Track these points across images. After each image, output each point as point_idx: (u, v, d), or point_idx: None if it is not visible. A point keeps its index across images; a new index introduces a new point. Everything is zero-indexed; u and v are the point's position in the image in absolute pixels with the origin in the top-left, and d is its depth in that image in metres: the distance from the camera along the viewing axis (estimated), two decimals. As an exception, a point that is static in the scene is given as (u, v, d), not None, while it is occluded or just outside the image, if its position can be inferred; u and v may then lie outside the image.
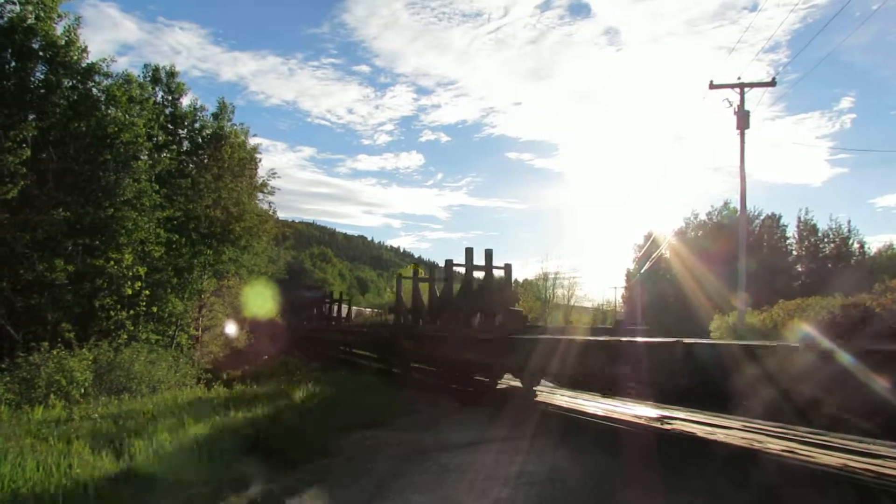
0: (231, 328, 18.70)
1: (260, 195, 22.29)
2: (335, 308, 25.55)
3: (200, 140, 21.15)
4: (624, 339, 6.77)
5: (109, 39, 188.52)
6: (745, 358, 4.90)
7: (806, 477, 4.59)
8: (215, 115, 21.64)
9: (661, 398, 6.80)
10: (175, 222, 15.94)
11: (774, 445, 5.63)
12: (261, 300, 20.97)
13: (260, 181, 22.22)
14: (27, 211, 11.36)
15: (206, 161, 19.76)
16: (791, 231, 40.04)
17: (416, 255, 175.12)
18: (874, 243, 55.69)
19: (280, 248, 32.68)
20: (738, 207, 20.94)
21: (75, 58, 12.80)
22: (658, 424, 6.82)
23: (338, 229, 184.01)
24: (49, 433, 6.30)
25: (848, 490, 4.28)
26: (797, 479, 4.59)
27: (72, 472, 4.79)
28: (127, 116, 13.37)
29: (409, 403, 9.36)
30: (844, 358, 4.06)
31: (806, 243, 39.28)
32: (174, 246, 15.38)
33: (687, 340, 5.66)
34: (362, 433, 7.10)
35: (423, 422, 7.95)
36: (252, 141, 22.75)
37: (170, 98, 20.92)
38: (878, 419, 4.16)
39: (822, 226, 39.12)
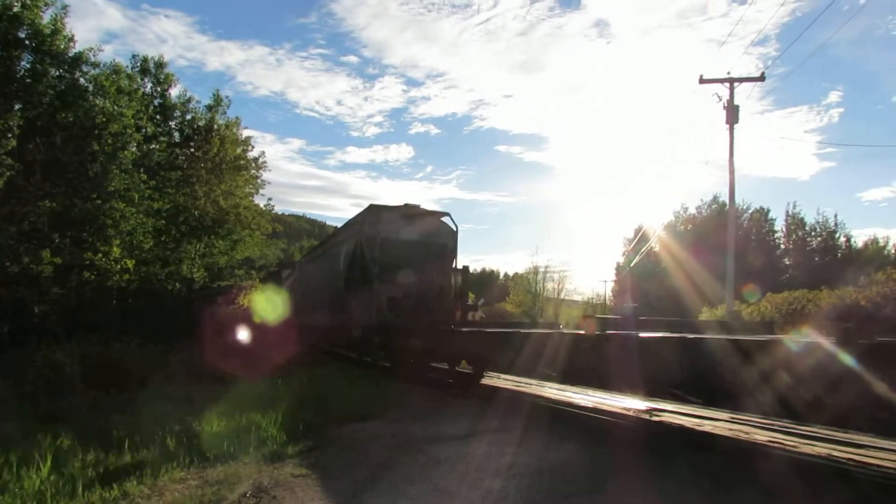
0: (229, 324, 18.46)
1: (249, 188, 22.18)
2: None
3: (191, 132, 20.93)
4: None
5: (93, 27, 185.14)
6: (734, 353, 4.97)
7: (791, 466, 4.68)
8: (209, 107, 21.40)
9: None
10: (164, 214, 15.82)
11: (760, 436, 5.76)
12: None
13: (251, 174, 22.07)
14: (13, 202, 11.24)
15: (196, 153, 19.56)
16: (779, 225, 40.47)
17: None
18: (860, 237, 56.50)
19: (274, 240, 32.08)
20: (728, 201, 21.10)
21: (62, 47, 12.63)
22: (647, 416, 6.91)
23: (328, 222, 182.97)
24: (37, 428, 6.25)
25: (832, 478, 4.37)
26: (781, 468, 4.69)
27: (58, 464, 4.77)
28: (115, 107, 13.22)
29: (400, 396, 9.42)
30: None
31: (794, 237, 39.71)
32: (162, 238, 15.27)
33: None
34: (354, 425, 7.12)
35: (414, 414, 7.97)
36: (244, 133, 22.59)
37: (159, 89, 20.66)
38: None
39: (810, 220, 39.58)
